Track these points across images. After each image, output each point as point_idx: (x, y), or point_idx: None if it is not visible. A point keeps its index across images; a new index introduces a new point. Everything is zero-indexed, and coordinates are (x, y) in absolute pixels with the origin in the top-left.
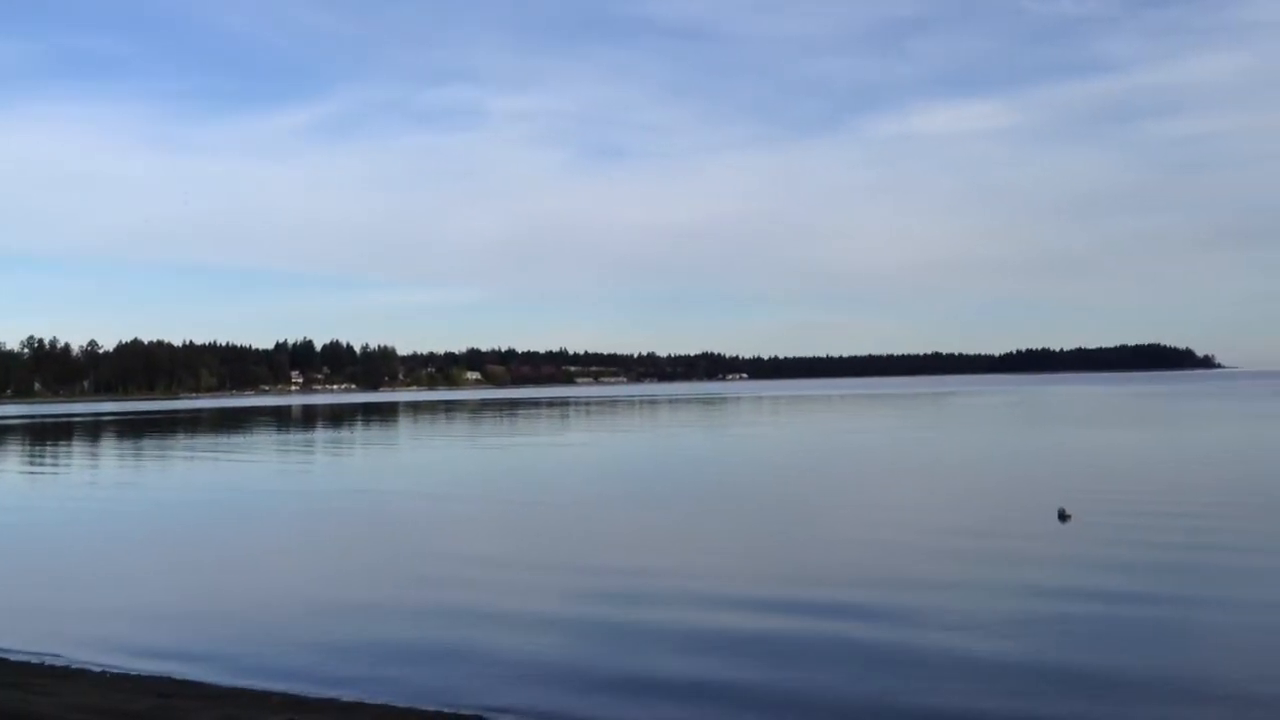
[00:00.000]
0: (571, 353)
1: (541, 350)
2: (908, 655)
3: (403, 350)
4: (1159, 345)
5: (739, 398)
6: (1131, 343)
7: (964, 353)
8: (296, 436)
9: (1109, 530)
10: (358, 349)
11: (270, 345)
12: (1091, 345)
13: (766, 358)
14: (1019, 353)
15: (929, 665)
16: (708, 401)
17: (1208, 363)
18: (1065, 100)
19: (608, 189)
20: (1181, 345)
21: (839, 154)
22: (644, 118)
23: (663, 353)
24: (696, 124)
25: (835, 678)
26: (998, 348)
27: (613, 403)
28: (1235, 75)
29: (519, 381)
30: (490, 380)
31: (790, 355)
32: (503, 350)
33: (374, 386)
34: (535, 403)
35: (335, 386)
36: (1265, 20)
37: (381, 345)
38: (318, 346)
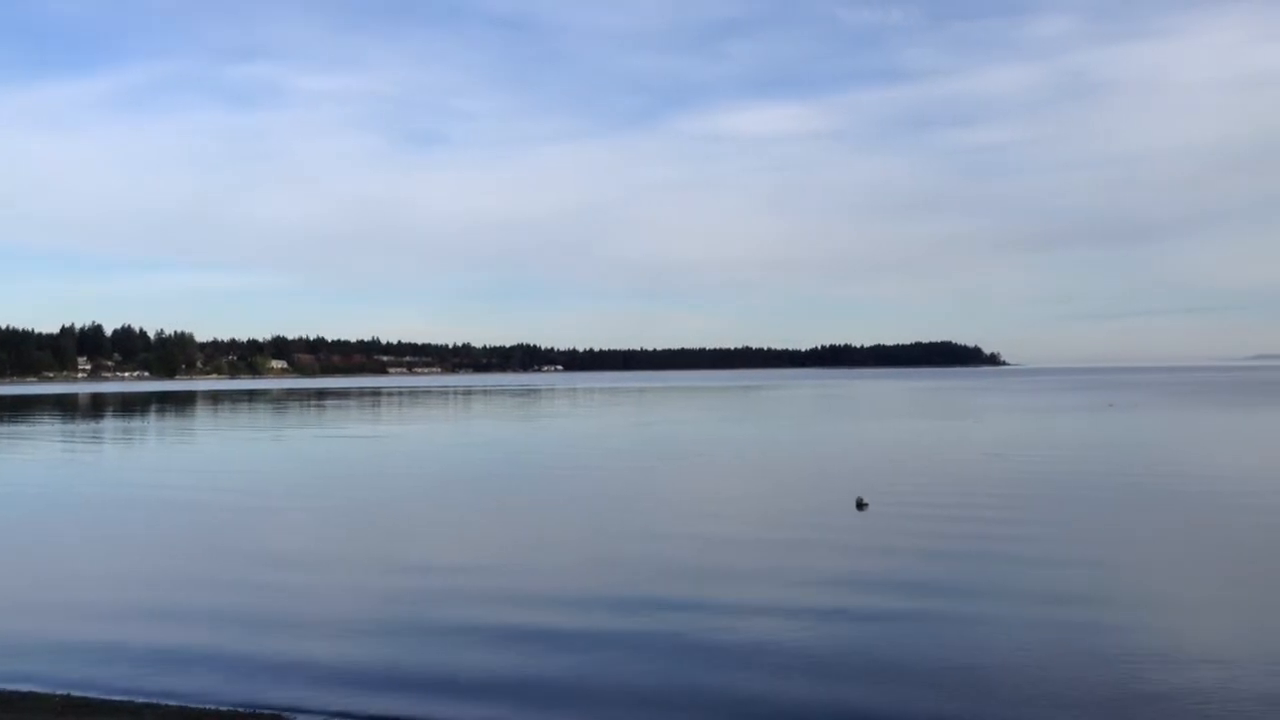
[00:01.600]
0: (384, 342)
1: (352, 339)
2: (714, 645)
3: (202, 337)
4: (950, 343)
5: (554, 389)
6: (925, 340)
7: (772, 347)
8: (80, 427)
9: (902, 519)
10: (152, 335)
11: (55, 330)
12: (889, 342)
13: (582, 350)
14: (822, 348)
15: (735, 654)
16: (523, 393)
17: (994, 360)
18: (869, 106)
19: (424, 176)
20: (971, 343)
21: (655, 150)
22: (463, 105)
23: (478, 343)
24: (517, 114)
25: (644, 669)
26: (803, 343)
27: (426, 394)
28: (1026, 89)
29: (328, 371)
30: (297, 369)
31: (606, 348)
32: (311, 339)
33: (170, 374)
34: (344, 393)
35: (127, 374)
36: (1054, 35)
37: (179, 331)
38: (108, 331)
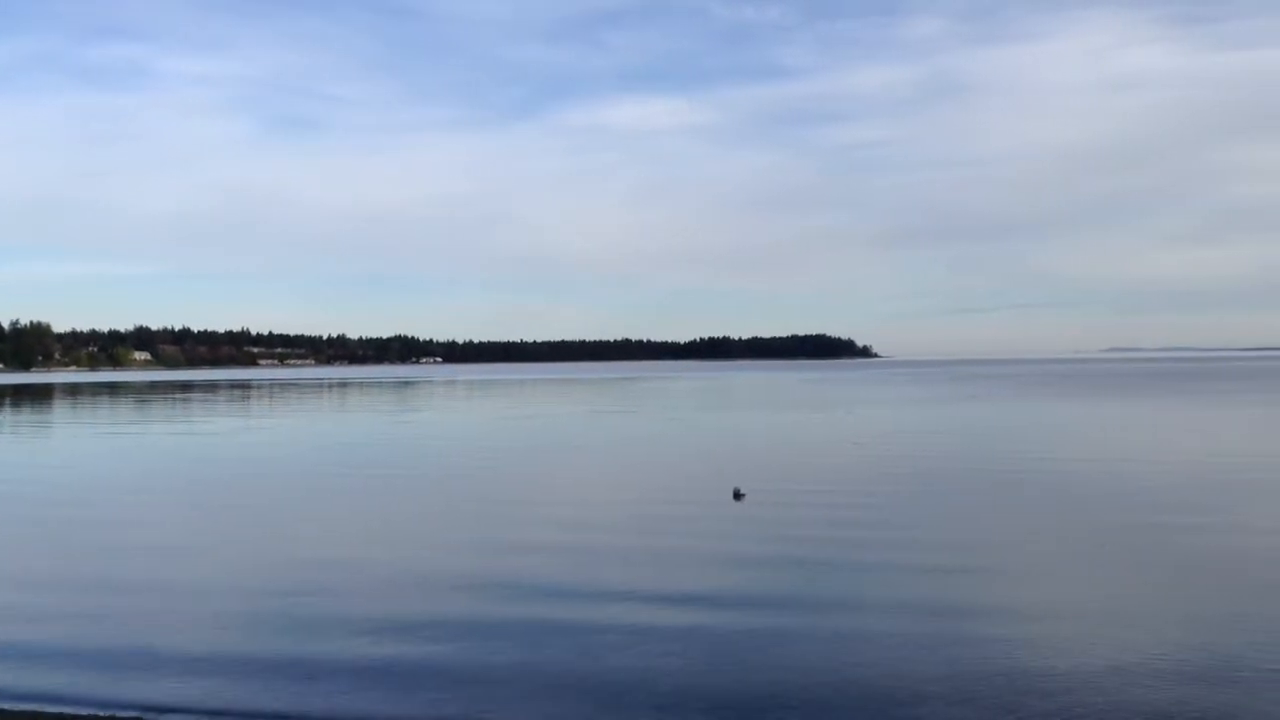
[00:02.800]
0: (254, 333)
1: (220, 330)
2: (581, 632)
3: (60, 327)
4: (824, 336)
5: (432, 382)
6: (800, 333)
7: (652, 339)
8: None
9: (778, 508)
10: (6, 325)
11: None
12: (765, 335)
13: (462, 341)
14: (701, 341)
15: (602, 641)
16: (399, 385)
17: (866, 352)
18: (746, 102)
19: (299, 163)
20: (844, 336)
21: (538, 141)
22: (341, 91)
23: (354, 335)
24: (397, 101)
25: (514, 654)
26: (683, 335)
27: (296, 386)
28: (897, 88)
29: (195, 363)
30: (162, 361)
31: (486, 340)
32: (176, 329)
33: (26, 366)
34: (212, 385)
35: None
36: (924, 36)
37: (34, 321)
38: None
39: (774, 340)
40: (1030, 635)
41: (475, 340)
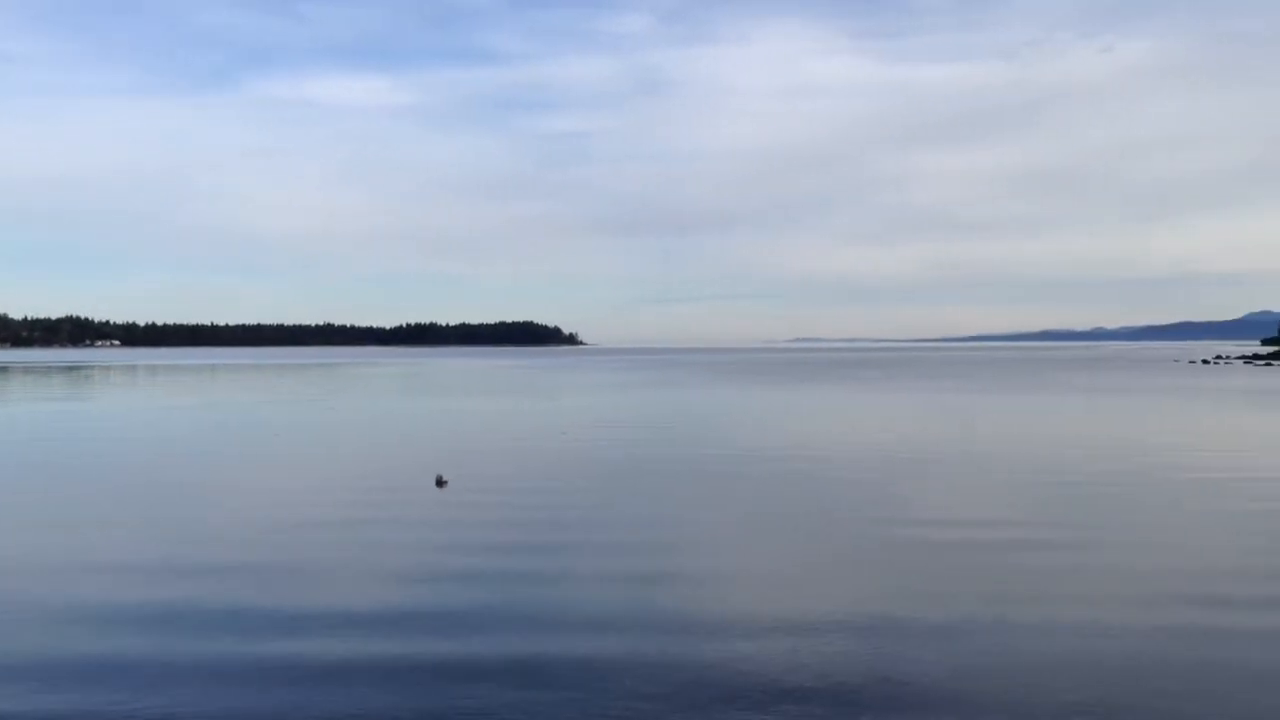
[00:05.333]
0: None
1: None
2: (295, 621)
3: None
4: (532, 323)
5: (108, 367)
6: (508, 320)
7: (356, 324)
8: None
9: (480, 494)
10: None
11: None
12: (473, 321)
13: (143, 324)
14: (408, 326)
15: (295, 637)
16: (67, 371)
17: (573, 340)
18: (454, 85)
19: None
20: (551, 324)
21: (233, 113)
22: (9, 46)
23: (17, 315)
24: (73, 62)
25: (218, 647)
26: (388, 321)
27: None
28: (604, 80)
29: None
30: None
31: (171, 322)
32: None
33: None
34: None
35: None
36: (630, 32)
37: None
38: None
39: (482, 327)
40: (718, 611)
41: (159, 323)
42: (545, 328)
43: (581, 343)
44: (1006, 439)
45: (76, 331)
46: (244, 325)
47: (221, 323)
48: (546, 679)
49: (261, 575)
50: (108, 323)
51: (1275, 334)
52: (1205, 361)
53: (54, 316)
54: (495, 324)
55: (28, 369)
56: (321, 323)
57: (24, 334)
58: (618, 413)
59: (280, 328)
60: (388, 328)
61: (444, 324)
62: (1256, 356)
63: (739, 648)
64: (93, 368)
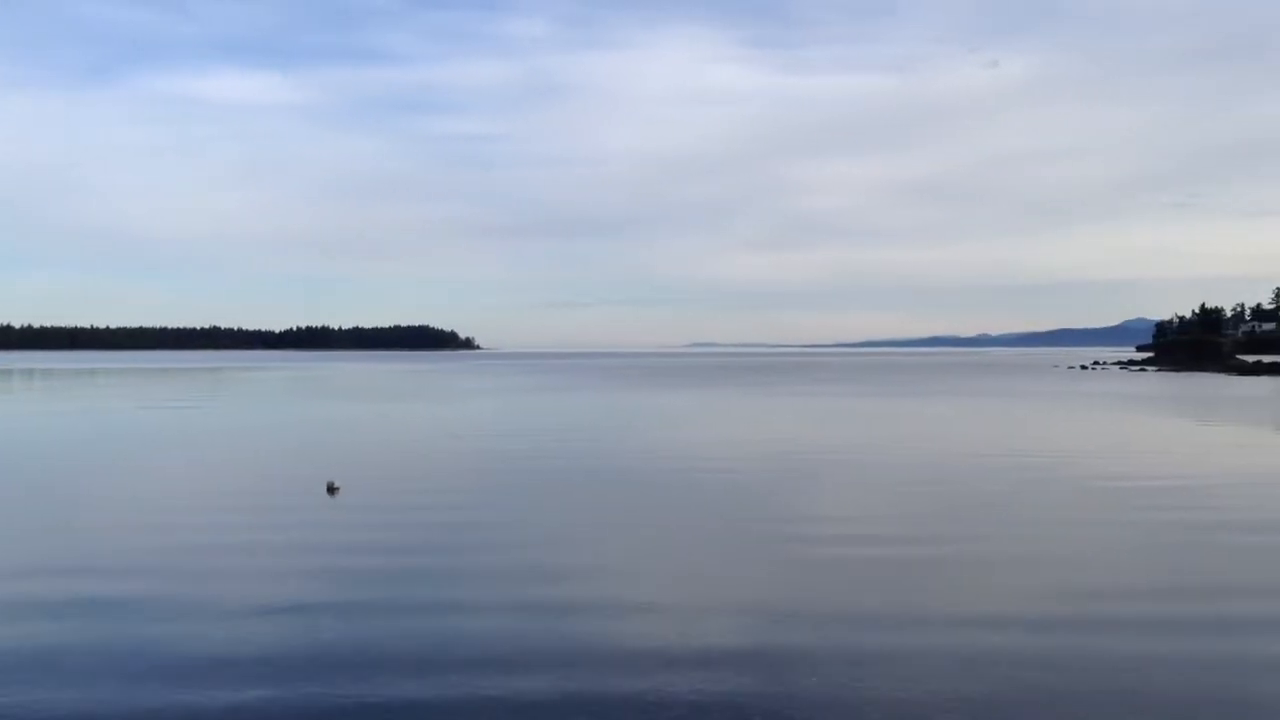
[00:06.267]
0: None
1: None
2: (169, 641)
3: None
4: (428, 327)
5: None
6: (404, 324)
7: (244, 328)
8: None
9: (373, 501)
10: None
11: None
12: (367, 325)
13: (19, 326)
14: (298, 329)
15: (192, 650)
16: None
17: (470, 345)
18: (351, 85)
19: None
20: (448, 328)
21: (116, 109)
22: None
23: None
24: None
25: (90, 672)
26: (278, 324)
27: None
28: (501, 84)
29: None
30: None
31: (48, 324)
32: None
33: None
34: None
35: None
36: (527, 36)
37: None
38: None
39: (376, 331)
40: (610, 617)
41: (35, 325)
42: (441, 332)
43: (478, 347)
44: (899, 442)
45: None
46: (126, 328)
47: (103, 325)
48: (437, 688)
49: (133, 592)
50: None
51: (1150, 340)
52: (1084, 367)
53: None
54: (390, 328)
55: None
56: (209, 325)
57: None
58: (514, 418)
59: (164, 331)
60: (277, 331)
61: (336, 328)
62: (1132, 362)
63: (631, 657)
64: None
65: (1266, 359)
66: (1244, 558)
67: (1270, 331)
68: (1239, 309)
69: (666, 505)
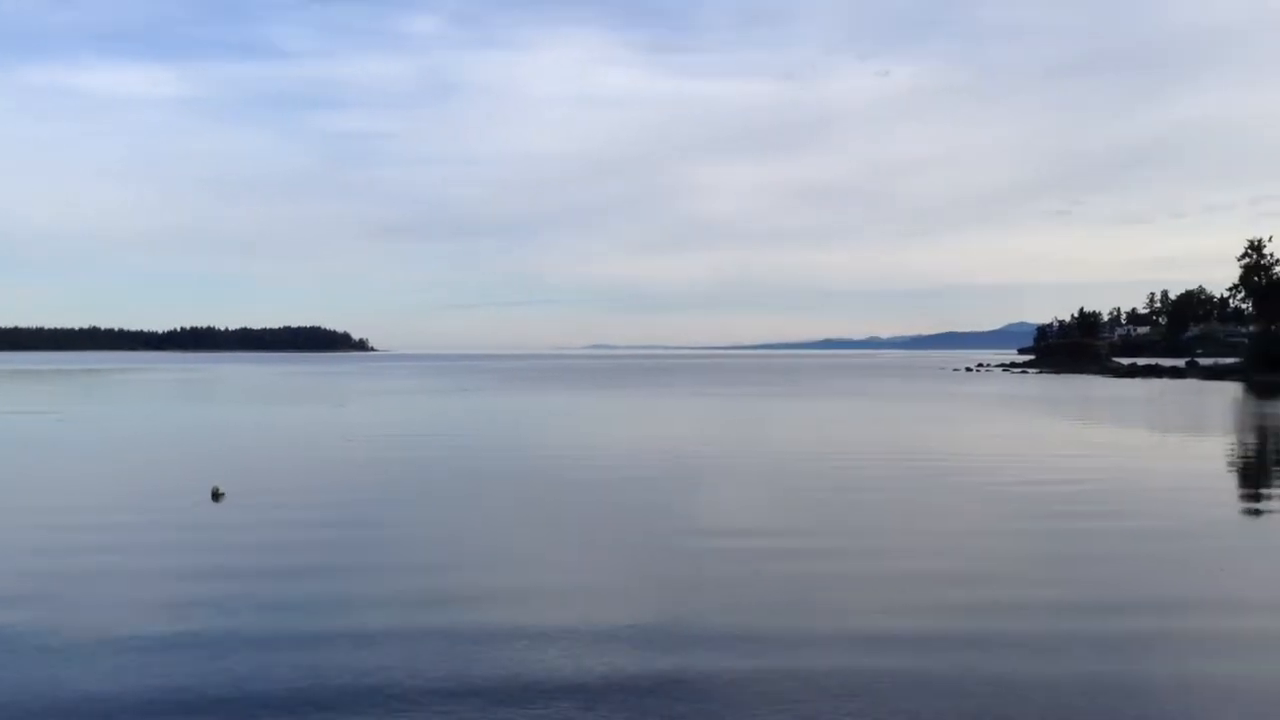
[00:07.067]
0: None
1: None
2: (43, 653)
3: None
4: (320, 328)
5: None
6: (294, 325)
7: (126, 328)
8: None
9: (260, 507)
10: None
11: None
12: (256, 326)
13: None
14: (183, 330)
15: (69, 663)
16: None
17: (363, 346)
18: (241, 80)
19: None
20: (340, 329)
21: None
22: None
23: None
24: None
25: None
26: (162, 324)
27: None
28: (396, 80)
29: None
30: None
31: None
32: None
33: None
34: None
35: None
36: (421, 33)
37: None
38: None
39: (265, 332)
40: (501, 622)
41: None
42: (333, 333)
43: (372, 348)
44: (794, 444)
45: None
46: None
47: None
48: (324, 701)
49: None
50: None
51: (1031, 343)
52: (970, 369)
53: None
54: (280, 328)
55: None
56: (87, 326)
57: None
58: (408, 421)
59: (41, 331)
60: (161, 332)
61: (223, 328)
62: (1014, 364)
63: (523, 663)
64: None
65: (1141, 362)
66: (1125, 562)
67: (1144, 335)
68: (1115, 313)
69: (561, 509)
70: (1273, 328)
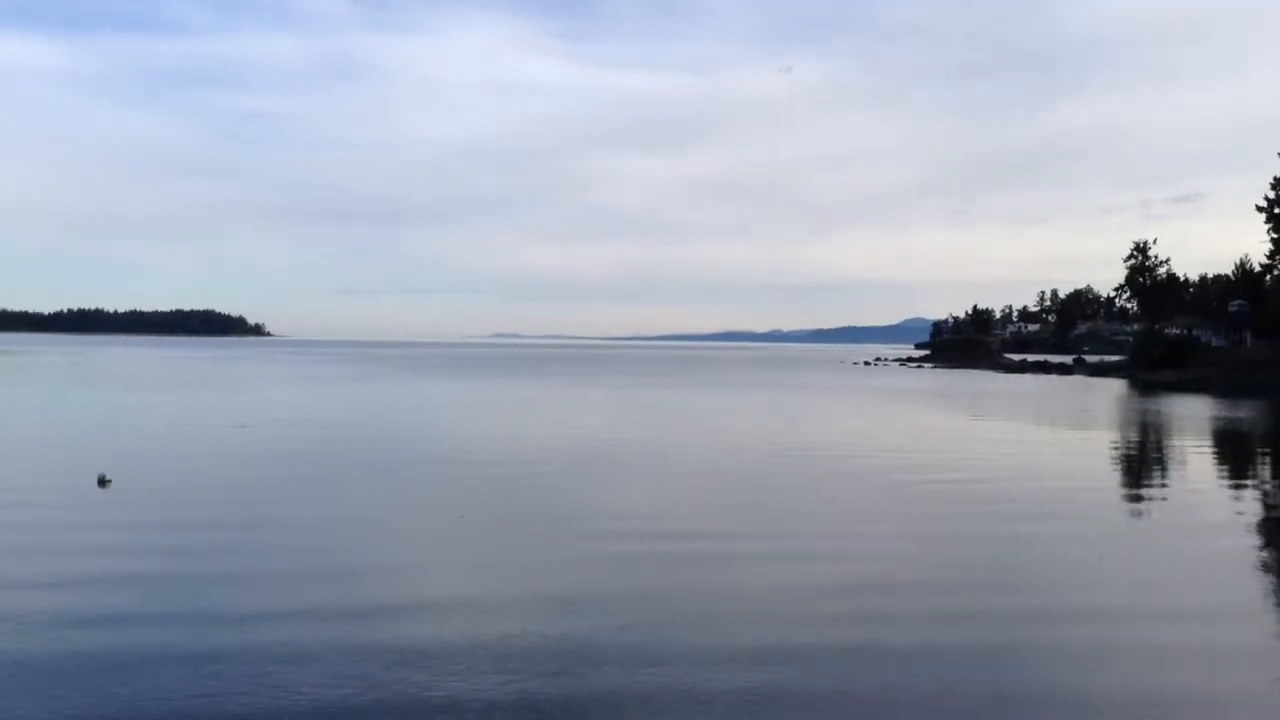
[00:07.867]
0: None
1: None
2: None
3: None
4: (213, 311)
5: None
6: (186, 307)
7: (8, 309)
8: None
9: (147, 494)
10: None
11: None
12: (146, 308)
13: None
14: (69, 312)
15: None
16: None
17: (259, 330)
18: (136, 55)
19: None
20: (235, 313)
21: None
22: None
23: None
24: None
25: None
26: (46, 306)
27: None
28: (297, 61)
29: None
30: None
31: None
32: None
33: None
34: None
35: None
36: (326, 13)
37: None
38: None
39: (156, 315)
40: (401, 621)
41: None
42: (228, 317)
43: (268, 334)
44: (698, 435)
45: None
46: None
47: None
48: (220, 693)
49: None
50: None
51: (927, 339)
52: (868, 363)
53: None
54: (171, 311)
55: None
56: None
57: None
58: (305, 409)
59: None
60: (45, 313)
61: (112, 310)
62: (910, 359)
63: (420, 657)
64: None
65: (1031, 358)
66: (1014, 548)
67: (1034, 332)
68: (1007, 311)
69: (462, 499)
70: (1155, 326)
